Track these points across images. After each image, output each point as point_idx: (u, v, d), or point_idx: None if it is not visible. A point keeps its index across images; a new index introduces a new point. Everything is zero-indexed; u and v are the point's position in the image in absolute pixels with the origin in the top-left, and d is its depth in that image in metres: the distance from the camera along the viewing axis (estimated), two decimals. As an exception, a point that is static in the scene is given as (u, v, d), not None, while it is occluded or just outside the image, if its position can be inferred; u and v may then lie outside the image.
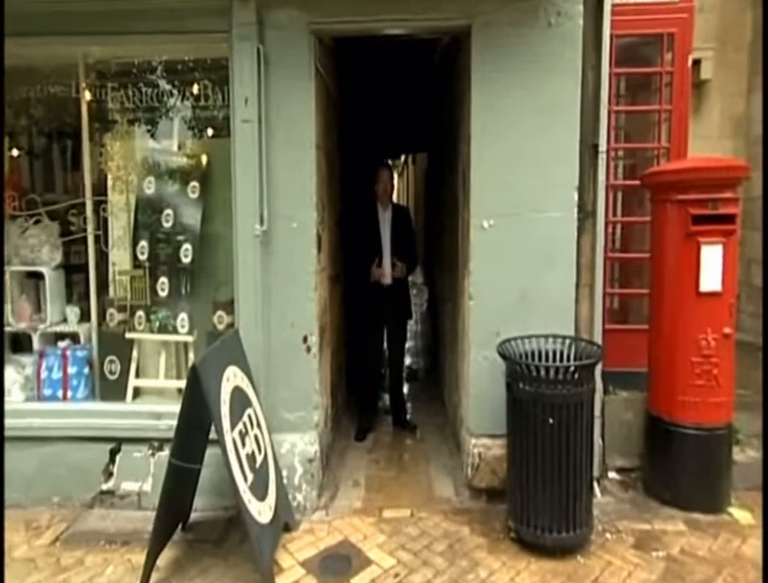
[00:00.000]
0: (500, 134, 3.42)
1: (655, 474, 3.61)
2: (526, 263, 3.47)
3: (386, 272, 4.65)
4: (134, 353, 3.85)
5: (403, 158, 16.69)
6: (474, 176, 3.47)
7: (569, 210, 3.44)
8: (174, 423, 2.91)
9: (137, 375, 3.87)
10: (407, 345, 5.66)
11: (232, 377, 3.07)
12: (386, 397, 5.25)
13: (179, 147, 3.80)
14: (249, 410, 3.17)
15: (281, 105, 3.44)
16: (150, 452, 3.64)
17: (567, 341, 3.35)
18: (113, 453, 3.64)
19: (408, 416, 5.02)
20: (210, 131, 3.74)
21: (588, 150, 3.54)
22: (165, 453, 3.56)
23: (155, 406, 3.73)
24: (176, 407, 2.96)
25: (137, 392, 3.88)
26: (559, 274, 3.45)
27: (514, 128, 3.41)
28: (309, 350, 3.58)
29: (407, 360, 6.78)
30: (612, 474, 3.83)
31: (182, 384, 3.52)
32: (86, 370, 3.87)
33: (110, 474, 3.63)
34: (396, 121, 7.53)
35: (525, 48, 3.37)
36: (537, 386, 3.02)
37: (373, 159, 5.94)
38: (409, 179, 18.58)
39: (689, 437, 3.43)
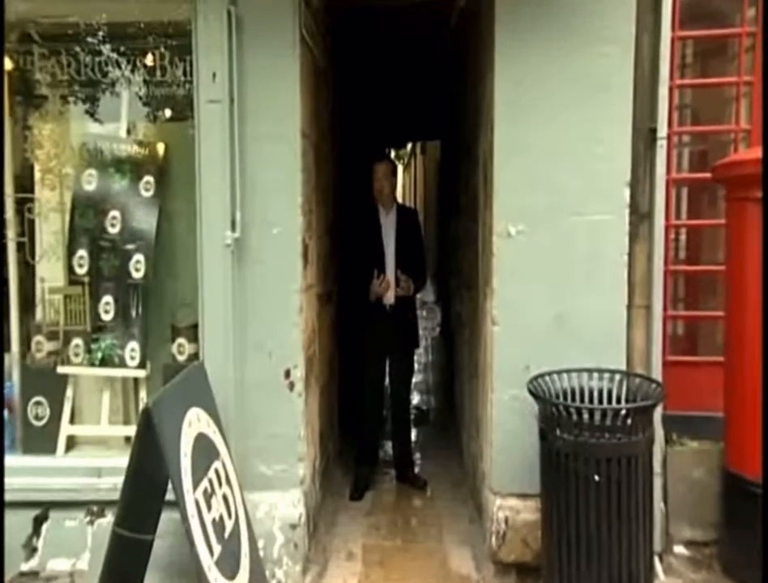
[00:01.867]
0: (530, 117, 3.45)
1: (736, 550, 3.56)
2: (563, 279, 3.49)
3: (388, 289, 4.69)
4: (69, 392, 3.86)
5: (409, 147, 16.76)
6: (498, 170, 3.49)
7: (619, 212, 3.46)
8: (120, 481, 2.91)
9: (72, 420, 3.87)
10: (415, 379, 5.72)
11: (196, 422, 3.08)
12: (389, 445, 5.28)
13: (128, 132, 3.82)
14: (217, 464, 3.17)
15: (258, 83, 3.47)
16: (87, 519, 3.63)
17: (617, 376, 3.36)
18: (38, 522, 3.63)
19: (416, 470, 5.04)
20: (168, 113, 3.77)
21: (643, 136, 3.56)
22: (108, 520, 3.56)
23: (94, 459, 3.72)
24: (122, 461, 2.96)
25: (71, 442, 3.88)
26: (605, 293, 3.47)
27: (547, 110, 3.44)
28: (292, 387, 3.60)
29: (415, 399, 6.83)
30: (678, 549, 3.81)
31: (131, 431, 3.52)
32: (4, 414, 3.84)
33: (33, 550, 3.62)
34: (402, 103, 7.59)
35: (562, 8, 3.40)
36: (579, 434, 3.02)
37: (374, 150, 5.98)
38: (417, 173, 18.64)
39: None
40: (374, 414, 4.93)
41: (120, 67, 3.73)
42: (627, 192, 3.45)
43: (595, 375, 3.37)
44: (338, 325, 5.30)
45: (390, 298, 4.71)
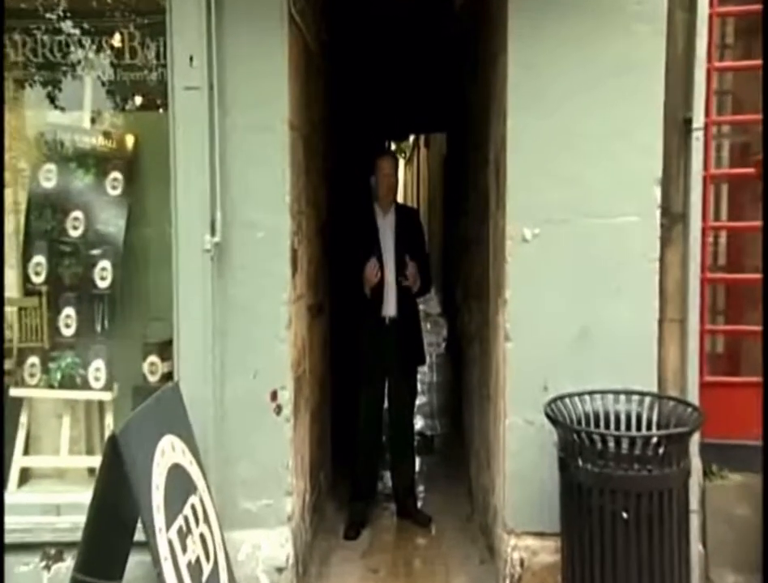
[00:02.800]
0: (548, 106, 3.45)
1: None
2: (585, 289, 3.49)
3: (377, 275, 4.66)
4: (23, 418, 3.84)
5: (412, 139, 16.83)
6: (511, 166, 3.49)
7: (649, 213, 3.46)
8: (82, 519, 2.89)
9: (26, 451, 3.85)
10: (418, 402, 5.69)
11: (170, 451, 3.07)
12: (388, 476, 5.27)
13: (93, 122, 3.82)
14: (194, 499, 3.16)
15: (241, 67, 3.48)
16: (43, 564, 3.61)
17: (647, 399, 3.35)
18: (-15, 568, 3.62)
19: (419, 504, 5.04)
20: (138, 101, 3.78)
21: (677, 126, 3.55)
22: (68, 564, 3.54)
23: (52, 495, 3.71)
24: (85, 497, 2.94)
25: (25, 475, 3.86)
26: (634, 305, 3.47)
27: (568, 97, 3.44)
28: (279, 411, 3.61)
29: (418, 424, 6.81)
30: (719, 597, 3.78)
31: (95, 462, 3.50)
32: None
33: (-21, 600, 3.60)
34: (403, 91, 7.62)
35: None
36: (604, 465, 3.00)
37: (372, 143, 6.00)
38: (420, 168, 18.72)
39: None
40: (372, 441, 4.93)
41: (83, 48, 3.72)
42: (658, 190, 3.45)
43: (623, 397, 3.36)
44: (331, 340, 5.30)
45: (390, 309, 4.73)
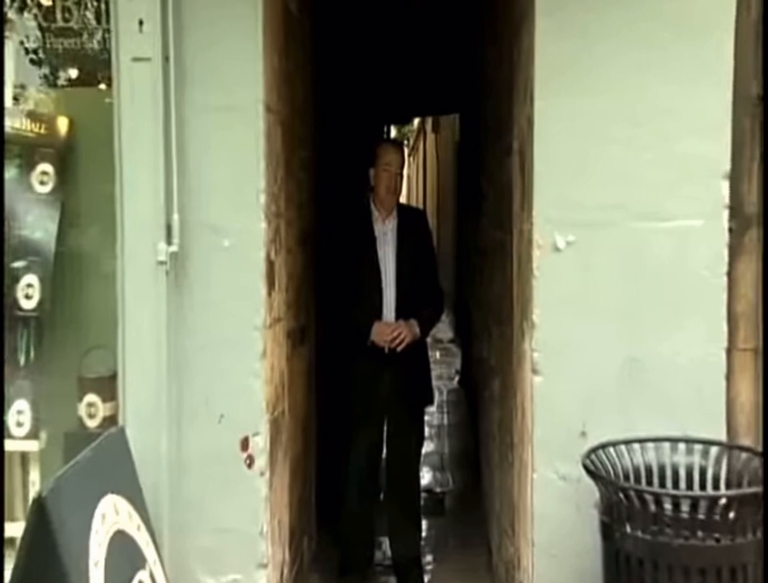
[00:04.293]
0: (585, 82, 3.43)
1: None
2: (634, 310, 3.46)
3: (386, 331, 4.71)
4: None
5: (416, 123, 16.94)
6: (540, 156, 3.47)
7: (714, 214, 3.43)
8: (-1, 603, 2.89)
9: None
10: (425, 450, 5.77)
11: (112, 515, 3.04)
12: (387, 544, 5.28)
13: (15, 100, 3.85)
14: (142, 574, 3.15)
15: (203, 34, 3.50)
16: None
17: (713, 449, 3.29)
18: None
19: (426, 580, 5.06)
20: (74, 74, 3.79)
21: (748, 106, 3.52)
22: None
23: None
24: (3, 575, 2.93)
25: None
26: (695, 330, 3.43)
27: (610, 71, 3.42)
28: (251, 463, 3.59)
29: (425, 478, 6.83)
30: None
31: (17, 530, 3.37)
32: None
33: None
34: (407, 65, 7.66)
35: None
36: (658, 532, 2.94)
37: (368, 128, 6.02)
38: (427, 159, 18.84)
39: None
40: (367, 499, 4.95)
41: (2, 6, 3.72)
42: (725, 186, 3.41)
43: (682, 447, 3.31)
44: (316, 374, 5.31)
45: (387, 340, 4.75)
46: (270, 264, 3.70)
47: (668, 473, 3.26)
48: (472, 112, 7.29)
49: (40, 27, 3.69)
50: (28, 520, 2.79)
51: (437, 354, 11.63)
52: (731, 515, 2.91)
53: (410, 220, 4.94)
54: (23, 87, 3.78)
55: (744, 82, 3.45)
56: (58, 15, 3.65)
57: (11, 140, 3.73)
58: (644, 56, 3.39)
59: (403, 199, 5.31)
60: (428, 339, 5.05)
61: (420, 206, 18.48)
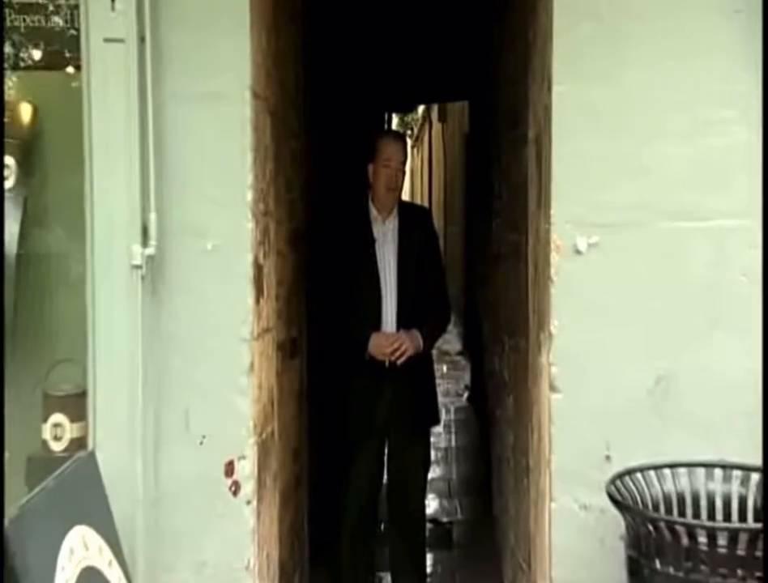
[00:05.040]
0: (610, 63, 3.43)
1: None
2: (665, 320, 3.45)
3: (385, 343, 4.72)
4: None
5: (420, 111, 16.98)
6: (559, 148, 3.47)
7: (754, 213, 3.40)
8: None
9: None
10: (431, 475, 5.79)
11: (81, 549, 3.02)
12: (388, 580, 5.31)
13: None
14: None
15: (183, 13, 3.48)
16: None
17: (754, 476, 3.26)
18: None
19: None
20: (38, 56, 3.79)
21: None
22: None
23: None
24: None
25: None
26: (735, 343, 3.42)
27: (638, 53, 3.42)
28: (237, 490, 3.57)
29: (431, 506, 6.83)
30: None
31: (-25, 564, 3.43)
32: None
33: None
34: (410, 46, 7.67)
35: None
36: (692, 568, 2.92)
37: (368, 117, 6.03)
38: (433, 151, 18.89)
39: None
40: (366, 531, 4.96)
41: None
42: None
43: (718, 473, 3.29)
44: (309, 391, 5.31)
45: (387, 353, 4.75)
46: (259, 268, 3.69)
47: (703, 502, 3.25)
48: (483, 98, 7.32)
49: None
50: (-13, 554, 2.81)
51: (444, 367, 11.67)
52: (776, 550, 2.93)
53: (413, 220, 4.96)
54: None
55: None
56: (19, -13, 3.67)
57: (-33, 130, 3.78)
58: (678, 40, 3.39)
59: (405, 196, 5.30)
60: (434, 351, 5.03)
61: (426, 203, 18.54)
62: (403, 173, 4.93)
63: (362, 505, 4.86)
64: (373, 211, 4.83)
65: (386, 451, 4.89)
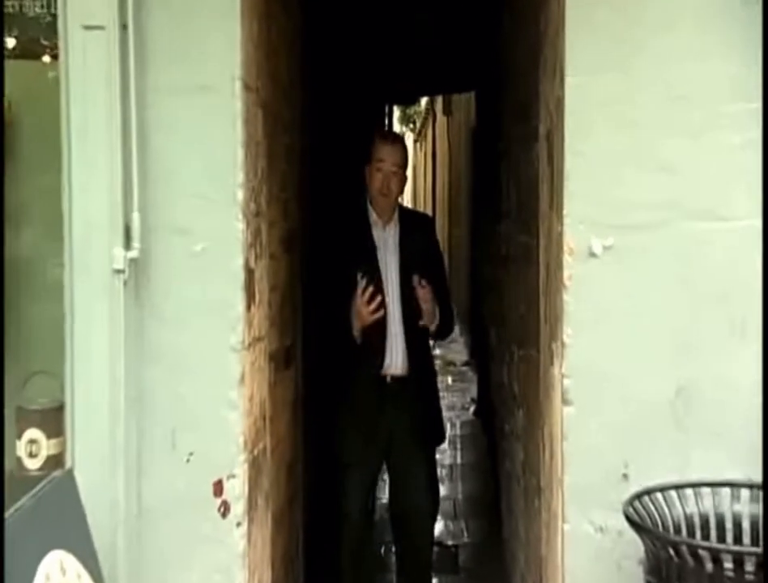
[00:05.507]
0: (627, 52, 3.42)
1: None
2: (688, 328, 3.43)
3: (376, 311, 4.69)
4: None
5: (424, 103, 16.99)
6: (571, 145, 3.46)
7: None
8: None
9: None
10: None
11: (58, 575, 3.00)
12: None
13: None
14: None
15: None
16: None
17: None
18: None
19: None
20: (11, 44, 3.78)
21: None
22: None
23: None
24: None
25: None
26: (761, 353, 3.38)
27: (655, 44, 3.41)
28: (226, 511, 3.55)
29: (436, 528, 6.73)
30: None
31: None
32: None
33: None
34: (413, 34, 7.67)
35: None
36: None
37: (367, 112, 6.03)
38: (437, 146, 18.91)
39: None
40: (362, 554, 4.97)
41: None
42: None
43: (744, 493, 3.26)
44: (304, 404, 5.31)
45: (394, 364, 4.77)
46: (250, 272, 3.68)
47: (729, 525, 3.23)
48: (491, 90, 7.34)
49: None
50: (-44, 582, 2.80)
51: (449, 379, 11.64)
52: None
53: (415, 228, 4.99)
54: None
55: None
56: (-9, -31, 3.65)
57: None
58: (699, 23, 3.38)
59: (408, 196, 5.26)
60: (438, 361, 5.03)
61: (429, 203, 18.54)
62: (401, 178, 4.89)
63: (363, 527, 4.88)
64: (373, 215, 4.84)
65: (386, 470, 4.88)
